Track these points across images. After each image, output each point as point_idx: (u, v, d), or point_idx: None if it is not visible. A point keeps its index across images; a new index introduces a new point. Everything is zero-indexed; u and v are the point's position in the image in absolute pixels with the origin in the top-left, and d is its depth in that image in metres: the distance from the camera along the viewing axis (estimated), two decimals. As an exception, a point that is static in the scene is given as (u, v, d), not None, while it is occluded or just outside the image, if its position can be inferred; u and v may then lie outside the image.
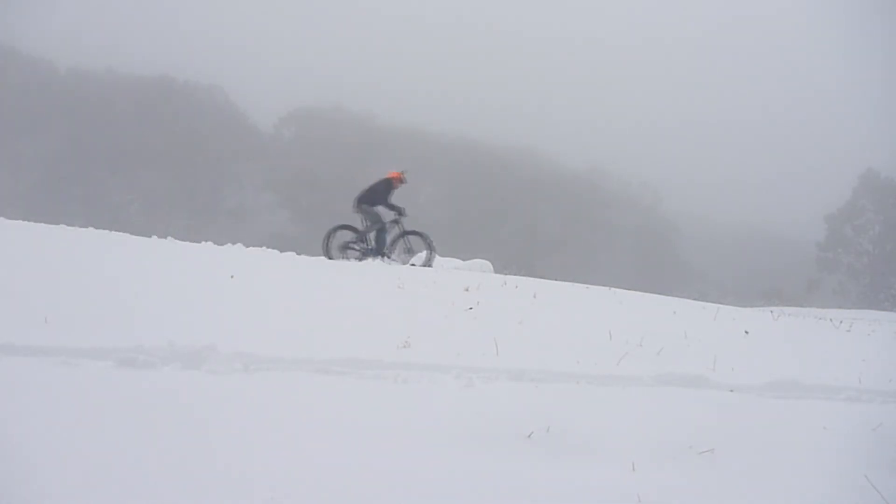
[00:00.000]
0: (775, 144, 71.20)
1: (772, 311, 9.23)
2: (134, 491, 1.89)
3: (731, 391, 3.50)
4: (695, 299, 10.54)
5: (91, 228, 8.72)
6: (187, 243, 8.34)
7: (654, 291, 10.28)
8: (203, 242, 8.62)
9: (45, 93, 52.42)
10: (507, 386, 3.23)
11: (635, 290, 9.56)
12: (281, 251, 9.06)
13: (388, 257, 10.67)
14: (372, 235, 10.90)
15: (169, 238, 8.77)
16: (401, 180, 11.08)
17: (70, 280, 4.68)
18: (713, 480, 2.35)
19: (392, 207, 10.95)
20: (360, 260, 10.33)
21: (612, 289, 8.77)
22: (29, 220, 8.56)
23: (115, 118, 54.53)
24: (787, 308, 15.43)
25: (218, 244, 8.63)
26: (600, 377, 3.53)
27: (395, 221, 10.98)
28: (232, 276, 5.54)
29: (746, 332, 5.55)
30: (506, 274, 10.54)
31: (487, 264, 12.84)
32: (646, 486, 2.23)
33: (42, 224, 8.35)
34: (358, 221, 10.99)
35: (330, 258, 10.37)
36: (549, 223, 59.67)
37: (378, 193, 10.93)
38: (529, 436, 2.53)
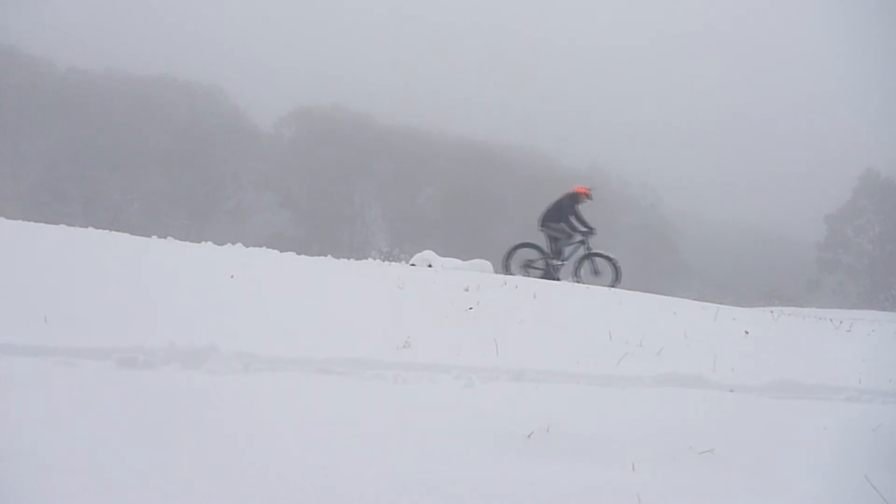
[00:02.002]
0: (775, 144, 71.29)
1: (772, 311, 9.23)
2: (133, 491, 1.89)
3: (731, 391, 3.50)
4: (695, 299, 10.54)
5: (91, 228, 8.72)
6: (187, 243, 8.33)
7: (654, 291, 10.28)
8: (203, 242, 8.61)
9: (45, 93, 52.43)
10: (507, 386, 3.23)
11: (635, 289, 9.56)
12: (281, 251, 9.06)
13: (571, 277, 10.28)
14: (555, 254, 10.48)
15: (169, 238, 8.76)
16: (587, 195, 10.62)
17: (70, 280, 4.68)
18: (713, 480, 2.35)
19: (581, 224, 10.49)
20: (543, 278, 9.95)
21: (612, 289, 8.77)
22: (29, 220, 8.56)
23: (115, 118, 54.56)
24: (787, 308, 15.44)
25: (218, 244, 8.62)
26: (600, 377, 3.53)
27: (582, 241, 10.53)
28: (232, 276, 5.55)
29: (746, 332, 5.55)
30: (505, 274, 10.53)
31: (487, 264, 12.84)
32: (646, 486, 2.23)
33: (42, 224, 8.35)
34: (542, 240, 10.59)
35: (509, 273, 10.08)
36: (549, 223, 59.55)
37: (563, 210, 10.48)
38: (529, 436, 2.53)
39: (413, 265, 10.66)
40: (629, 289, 9.40)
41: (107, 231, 8.46)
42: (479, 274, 9.63)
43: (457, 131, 64.84)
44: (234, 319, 4.10)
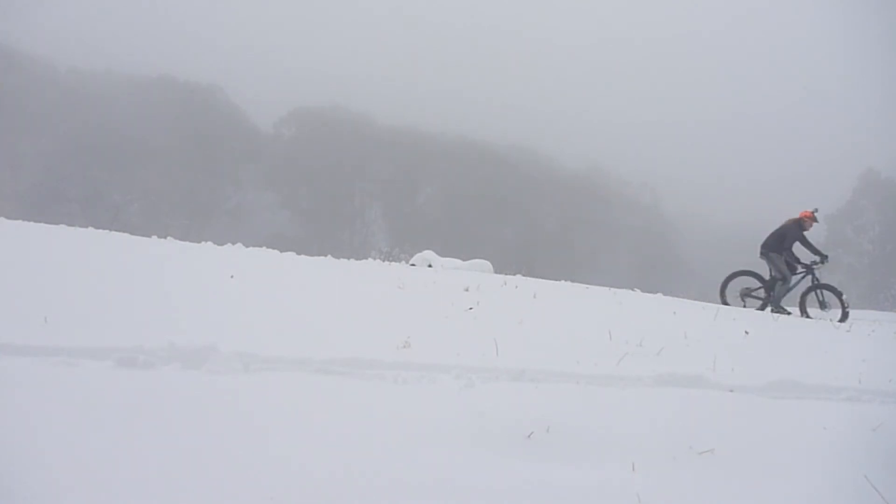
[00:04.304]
0: (775, 144, 71.28)
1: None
2: (133, 491, 1.89)
3: (731, 391, 3.50)
4: (695, 299, 10.52)
5: (91, 228, 8.71)
6: (187, 243, 8.33)
7: (654, 291, 10.27)
8: (203, 242, 8.60)
9: (45, 93, 52.44)
10: (507, 386, 3.23)
11: (635, 289, 9.55)
12: (281, 251, 9.05)
13: (787, 310, 9.64)
14: (777, 284, 9.91)
15: (169, 238, 8.75)
16: (813, 219, 10.09)
17: (70, 280, 4.68)
18: (713, 480, 2.35)
19: (811, 251, 9.95)
20: (761, 310, 9.37)
21: (612, 289, 8.77)
22: (29, 220, 8.55)
23: (115, 118, 54.57)
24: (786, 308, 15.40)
25: (218, 244, 8.61)
26: (600, 377, 3.53)
27: (809, 271, 9.95)
28: (232, 276, 5.54)
29: (746, 333, 5.55)
30: (506, 274, 10.53)
31: (487, 264, 12.83)
32: (646, 486, 2.23)
33: (42, 224, 8.35)
34: (764, 268, 10.03)
35: (725, 304, 9.60)
36: (548, 223, 59.68)
37: (789, 238, 9.91)
38: (529, 436, 2.53)
39: (413, 265, 10.65)
40: (629, 289, 9.40)
41: (107, 231, 8.46)
42: (479, 274, 9.63)
43: (457, 131, 64.85)
44: (234, 319, 4.10)
